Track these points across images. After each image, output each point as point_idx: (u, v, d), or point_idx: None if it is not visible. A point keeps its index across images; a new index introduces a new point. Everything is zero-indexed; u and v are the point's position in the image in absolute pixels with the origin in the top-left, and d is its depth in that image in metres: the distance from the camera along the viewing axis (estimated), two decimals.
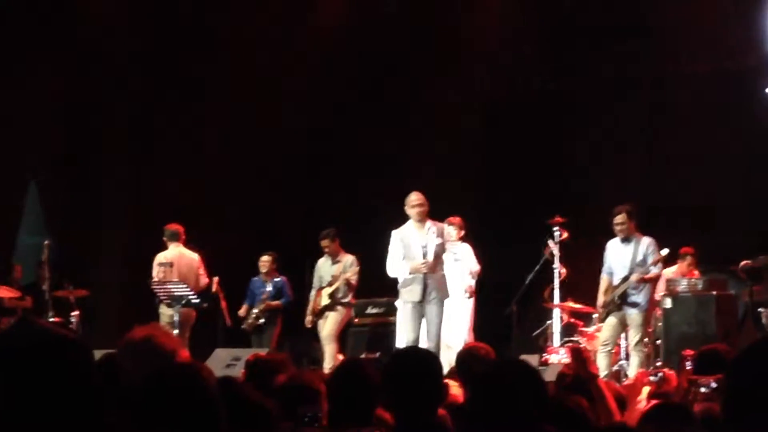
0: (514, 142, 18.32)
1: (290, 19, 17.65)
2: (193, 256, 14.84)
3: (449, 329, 13.23)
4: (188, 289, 14.20)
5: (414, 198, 12.56)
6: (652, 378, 7.77)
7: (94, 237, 17.34)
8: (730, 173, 16.53)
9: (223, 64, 17.42)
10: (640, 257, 13.02)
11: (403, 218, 12.77)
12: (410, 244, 12.46)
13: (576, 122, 18.20)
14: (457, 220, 13.99)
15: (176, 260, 14.63)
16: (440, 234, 12.61)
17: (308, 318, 14.86)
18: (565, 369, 6.93)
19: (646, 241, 13.05)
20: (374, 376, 5.15)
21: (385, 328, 14.94)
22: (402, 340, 12.60)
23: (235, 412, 4.31)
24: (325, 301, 14.69)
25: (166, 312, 14.47)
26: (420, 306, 12.36)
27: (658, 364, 13.15)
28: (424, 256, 12.39)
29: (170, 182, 17.17)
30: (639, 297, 13.04)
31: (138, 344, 4.82)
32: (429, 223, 12.56)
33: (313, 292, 14.99)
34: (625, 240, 13.10)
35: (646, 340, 13.60)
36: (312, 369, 14.95)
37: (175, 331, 14.09)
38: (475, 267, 14.05)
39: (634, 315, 13.03)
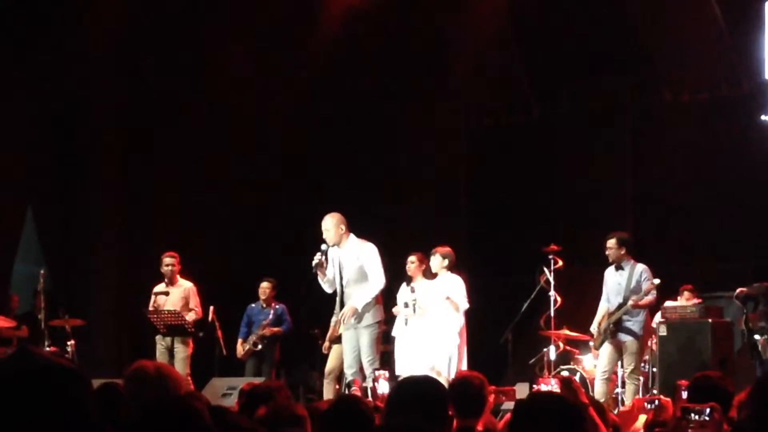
0: (507, 170, 18.36)
1: (279, 43, 17.62)
2: (188, 286, 14.78)
3: (438, 357, 13.16)
4: (183, 319, 14.15)
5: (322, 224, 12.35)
6: (648, 405, 7.73)
7: (89, 266, 17.33)
8: (727, 200, 16.54)
9: (213, 93, 17.41)
10: (633, 284, 13.06)
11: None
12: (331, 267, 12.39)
13: (568, 150, 18.23)
14: (442, 249, 13.56)
15: (172, 289, 14.57)
16: (357, 254, 12.27)
17: (326, 344, 14.32)
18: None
19: (639, 268, 13.12)
20: (370, 411, 5.14)
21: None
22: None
23: None
24: (342, 329, 14.22)
25: (161, 342, 14.38)
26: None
27: (654, 391, 13.13)
28: (341, 279, 12.28)
29: (165, 210, 17.20)
30: (634, 324, 13.06)
31: (149, 374, 4.84)
32: (347, 244, 12.28)
33: (335, 318, 14.54)
34: (619, 267, 13.16)
35: (643, 366, 13.58)
36: (309, 398, 14.92)
37: (178, 364, 14.09)
38: (461, 302, 13.26)
39: (629, 342, 13.06)
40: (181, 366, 14.07)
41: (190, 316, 14.43)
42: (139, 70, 17.39)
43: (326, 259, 12.35)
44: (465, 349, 13.42)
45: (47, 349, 14.39)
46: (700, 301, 14.64)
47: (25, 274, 16.55)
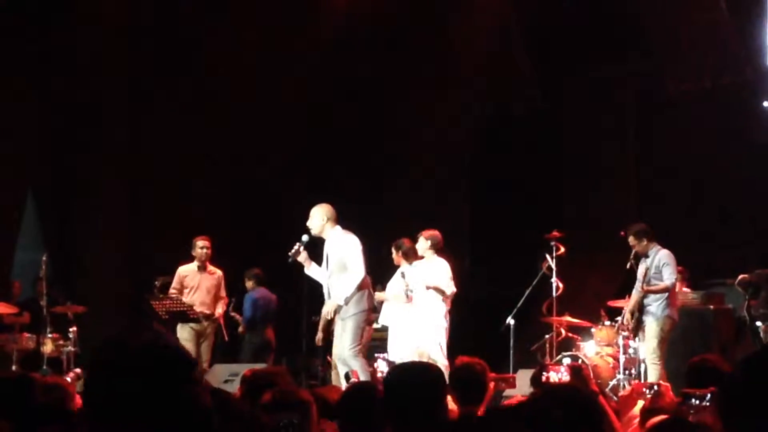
0: (510, 159, 18.34)
1: (281, 33, 17.57)
2: (220, 273, 14.49)
3: (427, 341, 13.13)
4: (186, 306, 14.02)
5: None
6: (646, 391, 7.72)
7: (91, 253, 17.31)
8: (730, 187, 16.53)
9: (213, 90, 17.40)
10: (653, 271, 13.04)
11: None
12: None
13: (571, 138, 18.22)
14: (427, 233, 13.48)
15: (204, 275, 14.30)
16: (339, 245, 12.17)
17: (318, 335, 13.55)
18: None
19: (660, 254, 13.07)
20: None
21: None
22: None
23: (226, 426, 4.30)
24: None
25: (192, 326, 14.17)
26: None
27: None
28: (327, 270, 12.26)
29: (167, 196, 17.19)
30: (652, 306, 13.02)
31: None
32: (332, 235, 12.20)
33: (325, 309, 14.36)
34: (645, 256, 13.13)
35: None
36: (311, 384, 14.87)
37: (204, 348, 14.12)
38: (445, 287, 13.25)
39: (647, 324, 13.02)
40: (206, 350, 14.09)
41: (221, 305, 14.41)
42: (140, 62, 17.37)
43: (304, 248, 12.27)
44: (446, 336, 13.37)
45: (49, 336, 14.44)
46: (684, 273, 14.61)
47: (26, 261, 16.54)
